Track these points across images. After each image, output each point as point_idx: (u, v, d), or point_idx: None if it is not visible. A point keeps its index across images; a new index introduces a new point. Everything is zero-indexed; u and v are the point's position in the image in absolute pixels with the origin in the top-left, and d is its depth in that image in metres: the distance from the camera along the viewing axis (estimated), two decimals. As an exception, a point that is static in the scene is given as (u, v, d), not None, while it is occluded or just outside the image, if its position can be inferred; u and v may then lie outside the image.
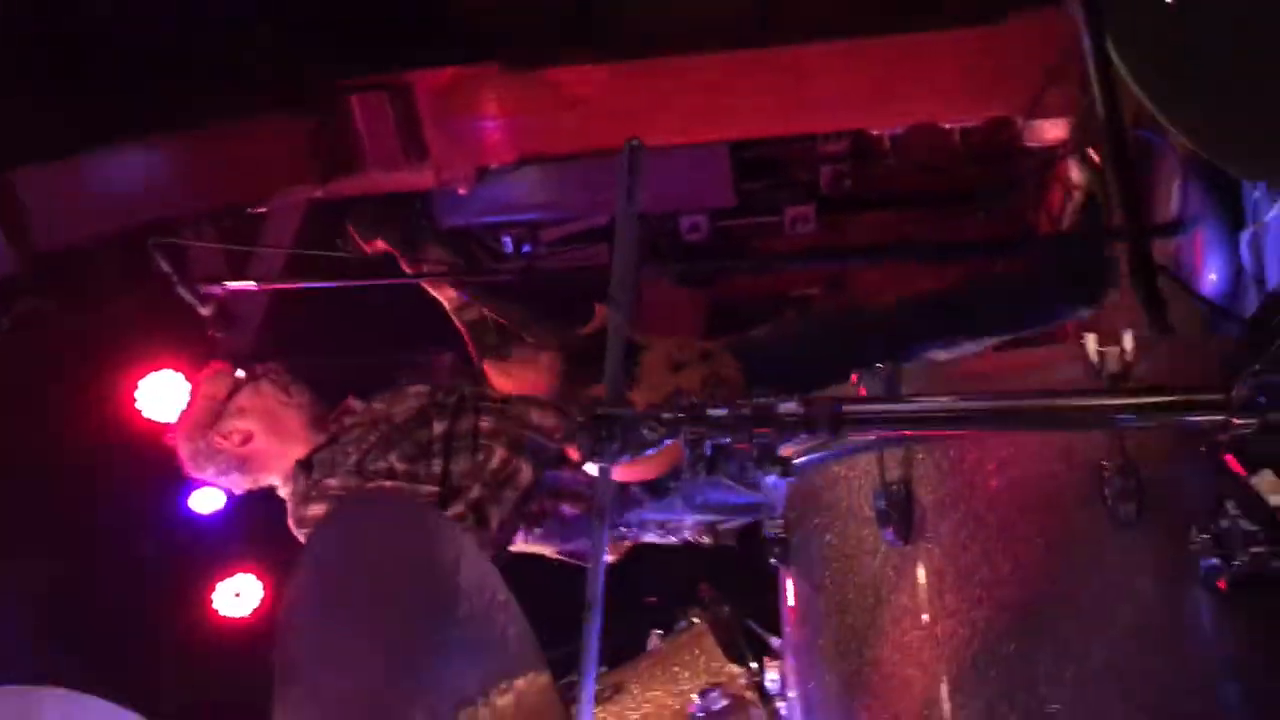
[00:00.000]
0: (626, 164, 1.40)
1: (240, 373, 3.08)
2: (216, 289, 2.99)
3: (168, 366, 3.57)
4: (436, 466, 2.85)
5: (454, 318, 3.25)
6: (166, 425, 3.28)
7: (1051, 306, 3.39)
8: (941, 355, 3.27)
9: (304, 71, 3.54)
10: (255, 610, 4.18)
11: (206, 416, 3.06)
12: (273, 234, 3.74)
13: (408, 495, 2.78)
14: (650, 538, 3.24)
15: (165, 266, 2.92)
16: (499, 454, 2.84)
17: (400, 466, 2.86)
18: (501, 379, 3.05)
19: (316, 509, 2.84)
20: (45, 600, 3.65)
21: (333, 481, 2.86)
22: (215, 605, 4.15)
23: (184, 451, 3.09)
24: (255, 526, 4.16)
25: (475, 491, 2.80)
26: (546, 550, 3.08)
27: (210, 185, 3.52)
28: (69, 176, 3.12)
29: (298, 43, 3.49)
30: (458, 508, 2.78)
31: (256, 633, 4.12)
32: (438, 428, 2.91)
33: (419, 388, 3.08)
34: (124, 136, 3.23)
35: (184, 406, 3.15)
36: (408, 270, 3.28)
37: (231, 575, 4.17)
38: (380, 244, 3.32)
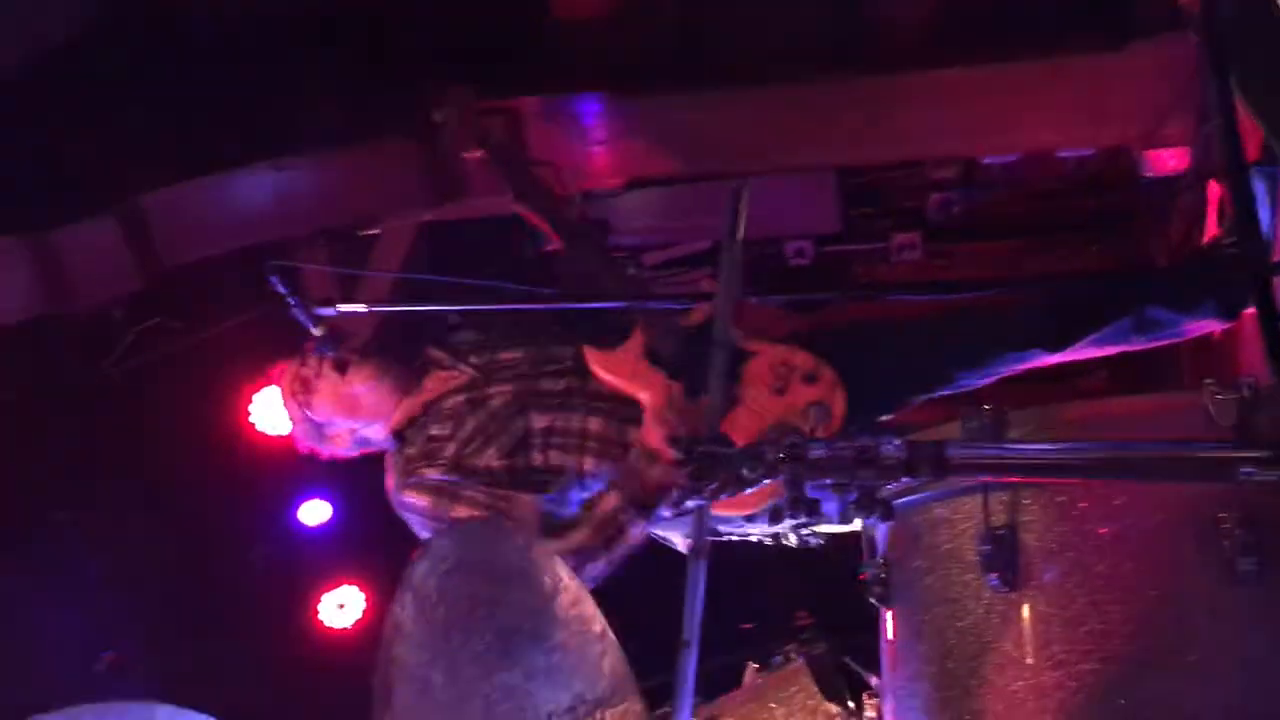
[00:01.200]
0: (732, 205, 1.39)
1: (302, 367, 3.08)
2: (329, 310, 3.04)
3: (279, 383, 3.66)
4: (537, 459, 2.79)
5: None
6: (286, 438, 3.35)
7: (1187, 313, 2.99)
8: (1051, 360, 3.05)
9: (418, 97, 3.61)
10: (358, 622, 4.27)
11: (312, 435, 3.11)
12: (382, 258, 3.82)
13: (503, 516, 2.73)
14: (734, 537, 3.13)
15: (281, 288, 2.99)
16: (611, 501, 2.72)
17: (498, 464, 2.79)
18: (602, 370, 2.92)
19: (417, 499, 2.79)
20: (157, 611, 3.77)
21: (432, 474, 2.81)
22: (320, 616, 4.25)
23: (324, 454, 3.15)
24: (361, 539, 4.26)
25: (581, 534, 2.71)
26: None
27: (329, 206, 3.62)
28: (196, 198, 3.23)
29: (412, 68, 3.57)
30: (560, 545, 2.67)
31: (359, 644, 4.20)
32: (538, 421, 2.84)
33: (514, 354, 2.98)
34: (249, 159, 3.34)
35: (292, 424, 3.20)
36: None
37: (336, 587, 4.27)
38: (481, 153, 3.30)
